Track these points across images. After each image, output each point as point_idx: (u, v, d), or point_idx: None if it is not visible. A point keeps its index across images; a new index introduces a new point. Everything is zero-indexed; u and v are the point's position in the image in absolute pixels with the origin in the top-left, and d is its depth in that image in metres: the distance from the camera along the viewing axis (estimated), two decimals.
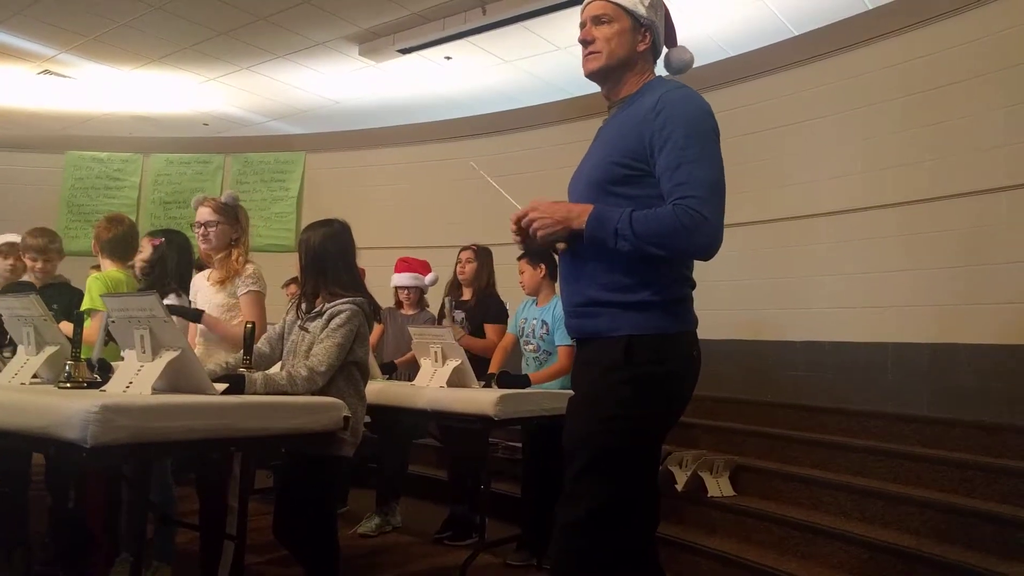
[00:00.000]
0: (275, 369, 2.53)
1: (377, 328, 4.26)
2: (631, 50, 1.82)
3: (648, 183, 1.70)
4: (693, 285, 1.79)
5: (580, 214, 1.68)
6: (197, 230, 2.93)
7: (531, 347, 3.70)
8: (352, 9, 5.34)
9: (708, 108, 1.75)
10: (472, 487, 3.91)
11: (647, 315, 1.70)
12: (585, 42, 1.84)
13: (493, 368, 3.66)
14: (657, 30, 1.85)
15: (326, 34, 5.76)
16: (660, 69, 1.92)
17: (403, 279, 4.35)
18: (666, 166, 1.66)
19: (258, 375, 2.22)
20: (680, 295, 1.75)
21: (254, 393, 2.15)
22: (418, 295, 4.39)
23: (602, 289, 1.73)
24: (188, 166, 8.13)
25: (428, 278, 4.40)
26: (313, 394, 2.32)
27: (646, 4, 1.82)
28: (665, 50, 1.91)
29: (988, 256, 4.16)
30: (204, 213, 2.92)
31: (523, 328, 3.74)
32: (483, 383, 3.32)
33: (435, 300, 4.55)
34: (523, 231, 1.77)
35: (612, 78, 1.85)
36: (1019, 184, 4.03)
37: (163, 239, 3.20)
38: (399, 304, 4.40)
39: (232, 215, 2.94)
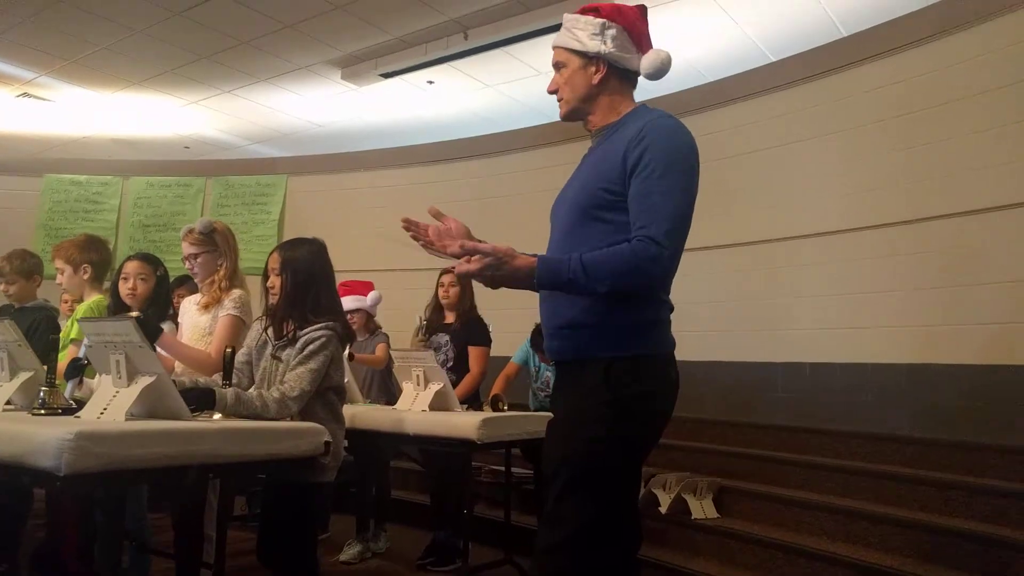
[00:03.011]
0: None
1: None
2: (587, 86, 1.84)
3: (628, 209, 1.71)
4: (671, 308, 1.80)
5: (528, 273, 1.63)
6: (184, 263, 2.99)
7: (544, 393, 4.39)
8: (334, 34, 5.37)
9: (692, 144, 1.76)
10: (455, 512, 3.87)
11: (626, 337, 1.70)
12: (553, 92, 1.90)
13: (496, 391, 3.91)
14: (612, 57, 1.83)
15: (308, 58, 5.78)
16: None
17: (344, 303, 4.21)
18: (638, 193, 1.67)
19: (229, 391, 2.16)
20: (658, 317, 1.75)
21: (223, 410, 2.11)
22: (364, 318, 4.33)
23: (581, 311, 1.73)
24: (169, 189, 8.08)
25: (370, 298, 4.32)
26: (291, 419, 2.29)
27: (591, 35, 1.83)
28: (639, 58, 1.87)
29: (967, 277, 4.21)
30: (185, 247, 2.95)
31: (536, 374, 4.47)
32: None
33: (388, 321, 4.53)
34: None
35: (583, 115, 1.89)
36: (997, 206, 4.10)
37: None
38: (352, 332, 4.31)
39: (211, 242, 2.93)
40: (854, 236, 4.75)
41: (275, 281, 2.48)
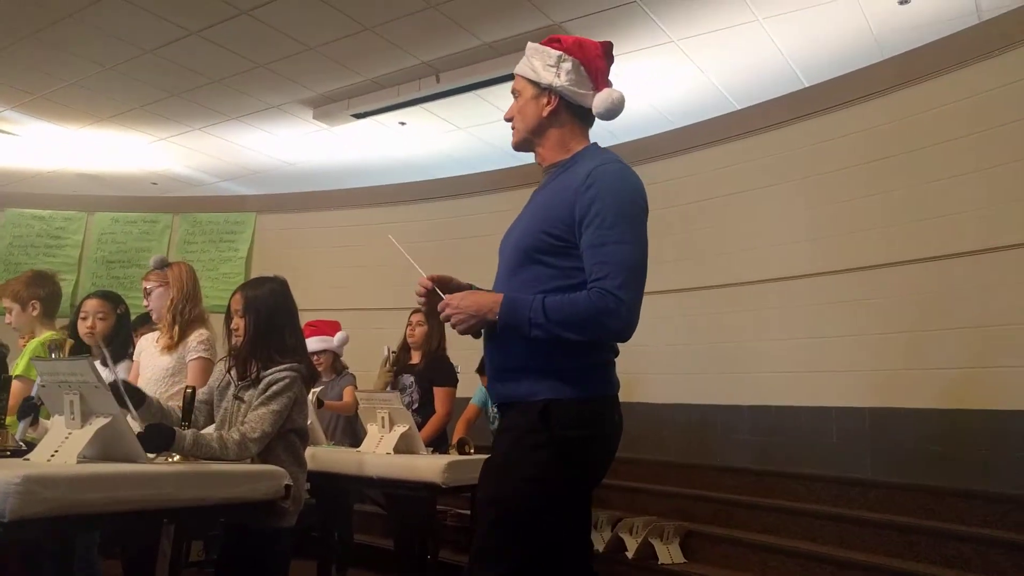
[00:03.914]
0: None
1: None
2: (537, 117, 1.83)
3: (575, 255, 1.70)
4: (616, 352, 1.79)
5: (492, 307, 1.68)
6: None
7: None
8: (307, 74, 5.40)
9: (640, 187, 1.75)
10: (419, 557, 3.79)
11: (567, 380, 1.68)
12: (509, 120, 1.90)
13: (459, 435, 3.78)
14: (564, 90, 1.80)
15: (280, 97, 5.80)
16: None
17: (310, 344, 4.01)
18: (591, 243, 1.65)
19: (188, 432, 2.10)
20: (601, 360, 1.74)
21: (181, 451, 2.05)
22: (331, 359, 4.27)
23: (524, 354, 1.71)
24: (134, 225, 7.97)
25: (337, 338, 4.27)
26: (251, 461, 2.24)
27: (546, 66, 1.81)
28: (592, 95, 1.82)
29: (929, 322, 4.30)
30: (145, 282, 2.97)
31: (494, 416, 4.10)
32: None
33: (355, 361, 4.48)
34: (429, 295, 1.80)
35: (532, 147, 1.88)
36: (957, 253, 4.21)
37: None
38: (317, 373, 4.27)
39: (165, 278, 2.91)
40: (817, 281, 4.83)
41: (238, 323, 2.43)
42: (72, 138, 6.58)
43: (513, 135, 1.89)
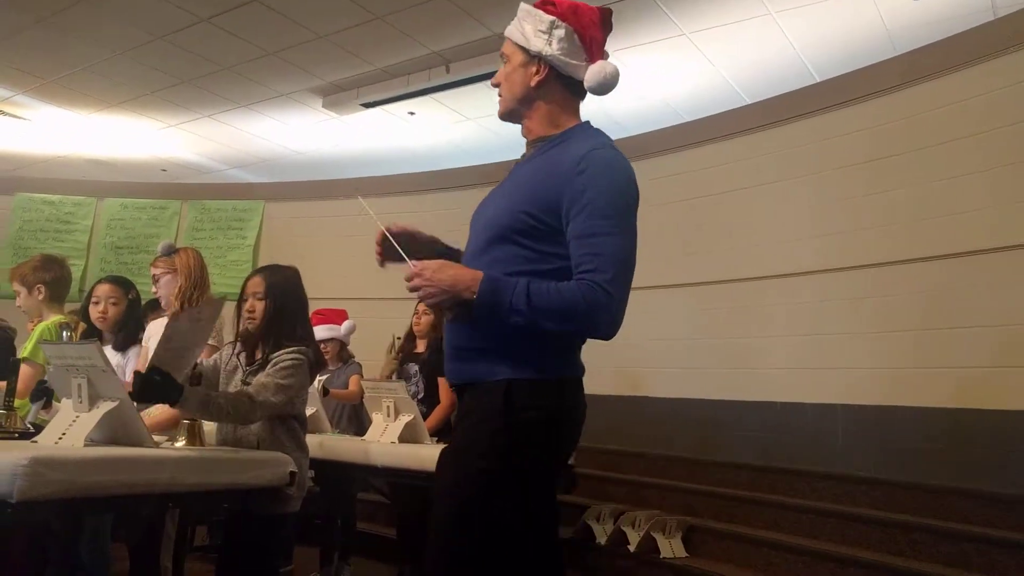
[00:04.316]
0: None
1: None
2: (525, 86, 1.69)
3: (554, 240, 1.58)
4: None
5: (470, 285, 1.53)
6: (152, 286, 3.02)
7: None
8: (317, 63, 5.40)
9: (632, 176, 1.64)
10: (422, 546, 3.80)
11: (529, 360, 1.57)
12: (496, 86, 1.76)
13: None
14: (555, 60, 1.66)
15: (290, 86, 5.80)
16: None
17: (317, 332, 4.11)
18: (580, 233, 1.54)
19: (199, 389, 2.06)
20: (567, 341, 1.63)
21: (185, 408, 2.02)
22: (338, 347, 4.28)
23: (484, 332, 1.59)
24: (143, 211, 8.00)
25: (344, 327, 4.28)
26: (257, 447, 2.25)
27: (536, 31, 1.67)
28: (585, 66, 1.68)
29: (935, 321, 4.28)
30: (152, 270, 3.00)
31: None
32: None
33: (361, 350, 4.48)
34: (383, 245, 1.74)
35: (518, 117, 1.75)
36: (964, 252, 4.19)
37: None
38: (324, 361, 4.28)
39: (172, 264, 2.92)
40: (824, 278, 4.82)
41: (256, 305, 2.43)
42: (82, 123, 6.59)
43: (499, 104, 1.75)
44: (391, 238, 1.76)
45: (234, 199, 7.88)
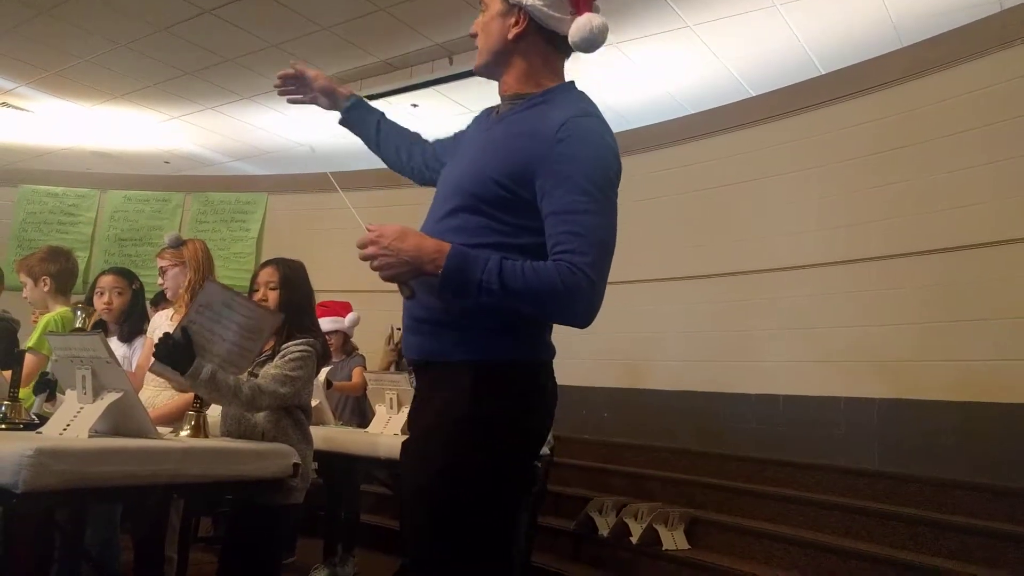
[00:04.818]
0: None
1: None
2: (502, 39, 1.53)
3: (526, 213, 1.42)
4: None
5: (435, 257, 1.35)
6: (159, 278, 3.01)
7: None
8: (320, 54, 5.38)
9: (615, 147, 1.46)
10: None
11: (499, 339, 1.42)
12: (474, 36, 1.60)
13: None
14: (535, 10, 1.49)
15: None
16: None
17: (321, 324, 4.17)
18: (557, 209, 1.37)
19: (208, 365, 2.04)
20: (539, 321, 1.49)
21: (195, 380, 2.02)
22: (341, 339, 4.30)
23: (447, 305, 1.43)
24: (147, 203, 8.01)
25: (348, 319, 4.30)
26: (262, 439, 2.26)
27: None
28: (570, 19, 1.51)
29: (939, 314, 4.27)
30: (158, 261, 2.99)
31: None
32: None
33: (365, 342, 4.48)
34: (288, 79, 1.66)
35: (495, 73, 1.59)
36: (970, 244, 4.18)
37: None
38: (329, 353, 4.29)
39: (180, 256, 2.92)
40: (828, 270, 4.81)
41: (269, 295, 2.45)
42: (86, 115, 6.59)
43: (476, 56, 1.60)
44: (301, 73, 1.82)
45: (237, 191, 7.89)
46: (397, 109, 6.20)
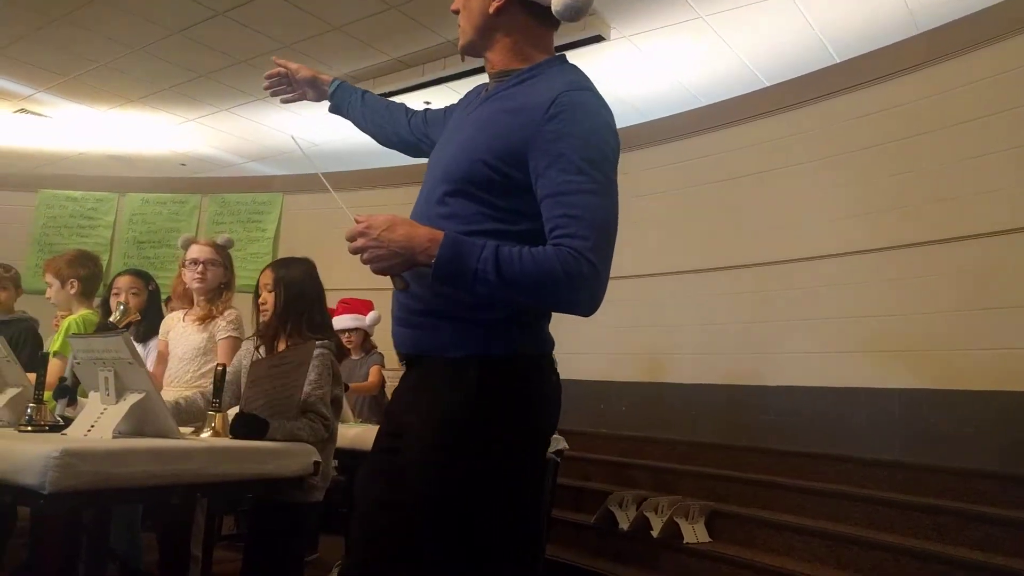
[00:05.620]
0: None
1: None
2: (483, 13, 1.46)
3: (519, 195, 1.35)
4: None
5: (427, 246, 1.28)
6: (192, 267, 2.90)
7: None
8: (332, 54, 5.40)
9: (612, 123, 1.38)
10: None
11: (501, 333, 1.35)
12: (456, 13, 1.54)
13: None
14: None
15: None
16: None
17: (342, 321, 4.15)
18: (553, 190, 1.29)
19: (277, 423, 2.14)
20: (539, 312, 1.43)
21: (271, 438, 2.11)
22: (361, 337, 4.30)
23: (445, 298, 1.36)
24: (164, 206, 8.09)
25: (369, 317, 4.30)
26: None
27: None
28: None
29: (961, 303, 4.23)
30: (204, 251, 2.92)
31: None
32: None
33: (386, 341, 4.49)
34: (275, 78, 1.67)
35: (479, 51, 1.52)
36: (991, 231, 4.12)
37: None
38: (344, 349, 4.32)
39: (227, 258, 2.95)
40: (847, 260, 4.77)
41: (267, 297, 2.49)
42: (102, 120, 6.65)
43: (460, 36, 1.53)
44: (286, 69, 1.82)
45: (253, 192, 7.94)
46: (410, 106, 6.22)
